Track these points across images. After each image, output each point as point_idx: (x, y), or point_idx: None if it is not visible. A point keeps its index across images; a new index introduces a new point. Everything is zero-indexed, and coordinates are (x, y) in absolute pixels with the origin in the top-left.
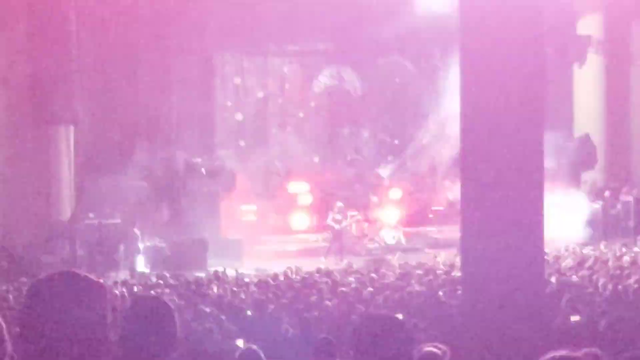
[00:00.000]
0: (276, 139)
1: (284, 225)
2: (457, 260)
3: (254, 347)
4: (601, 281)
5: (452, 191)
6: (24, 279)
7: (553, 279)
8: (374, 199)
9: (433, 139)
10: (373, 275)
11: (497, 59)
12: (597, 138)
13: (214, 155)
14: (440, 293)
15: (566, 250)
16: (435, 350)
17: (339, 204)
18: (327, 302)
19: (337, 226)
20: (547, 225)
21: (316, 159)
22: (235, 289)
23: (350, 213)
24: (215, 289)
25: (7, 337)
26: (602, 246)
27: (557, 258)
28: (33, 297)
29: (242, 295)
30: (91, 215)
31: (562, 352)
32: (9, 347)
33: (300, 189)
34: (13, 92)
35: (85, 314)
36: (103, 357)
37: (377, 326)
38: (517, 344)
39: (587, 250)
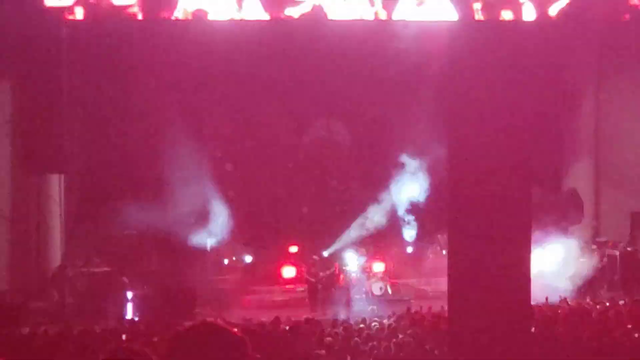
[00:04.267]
0: (265, 188)
1: (271, 275)
2: (445, 311)
3: None
4: (586, 334)
5: (440, 244)
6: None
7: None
8: (362, 250)
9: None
10: (361, 325)
11: (484, 110)
12: (584, 192)
13: (204, 204)
14: (427, 346)
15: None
16: None
17: (315, 257)
18: (316, 352)
19: (313, 279)
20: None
21: (305, 210)
22: None
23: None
24: None
25: None
26: (587, 299)
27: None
28: (176, 347)
29: None
30: (80, 263)
31: None
32: None
33: (289, 241)
34: (3, 140)
35: None
36: None
37: None
38: None
39: (573, 303)
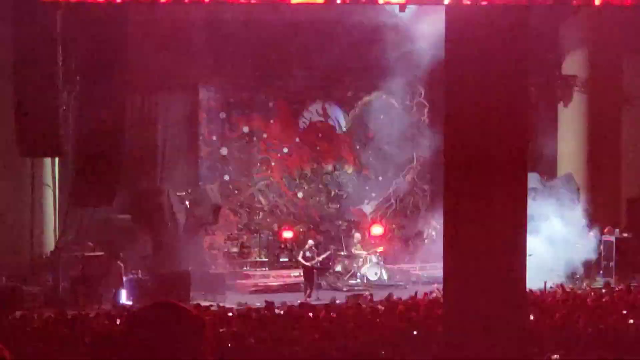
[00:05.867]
0: (260, 173)
1: (266, 260)
2: (439, 297)
3: None
4: (582, 320)
5: (435, 227)
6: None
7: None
8: (357, 235)
9: (417, 176)
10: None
11: (481, 95)
12: (581, 177)
13: (198, 188)
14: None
15: (550, 288)
16: None
17: (310, 241)
18: (309, 337)
19: (307, 263)
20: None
21: (300, 194)
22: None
23: (329, 249)
24: None
25: None
26: (583, 285)
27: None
28: (132, 327)
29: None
30: (74, 247)
31: None
32: None
33: (284, 225)
34: None
35: (183, 346)
36: None
37: None
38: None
39: (569, 289)
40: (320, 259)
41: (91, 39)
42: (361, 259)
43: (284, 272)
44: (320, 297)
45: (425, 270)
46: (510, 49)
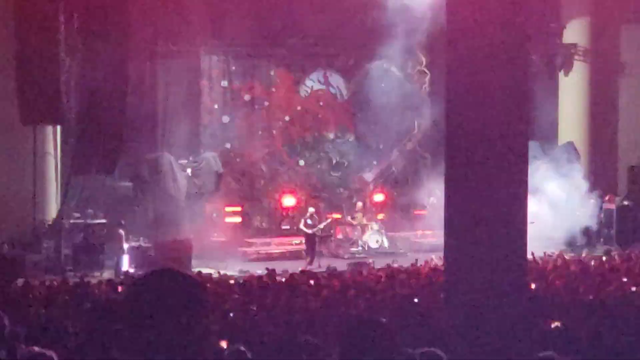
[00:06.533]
0: (262, 141)
1: (268, 228)
2: (441, 264)
3: (242, 348)
4: (582, 288)
5: (436, 195)
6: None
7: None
8: (359, 203)
9: (419, 144)
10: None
11: (482, 64)
12: (582, 146)
13: (200, 156)
14: (422, 296)
15: (549, 256)
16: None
17: (311, 209)
18: (311, 305)
19: (309, 231)
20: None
21: (301, 162)
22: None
23: (330, 217)
24: None
25: None
26: (583, 253)
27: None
28: (133, 294)
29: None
30: (76, 215)
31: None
32: None
33: (285, 192)
34: None
35: (183, 314)
36: (198, 355)
37: (362, 331)
38: (498, 347)
39: (569, 257)
40: (321, 226)
41: (93, 2)
42: (362, 227)
43: (286, 239)
44: (321, 265)
45: (426, 238)
46: (512, 17)
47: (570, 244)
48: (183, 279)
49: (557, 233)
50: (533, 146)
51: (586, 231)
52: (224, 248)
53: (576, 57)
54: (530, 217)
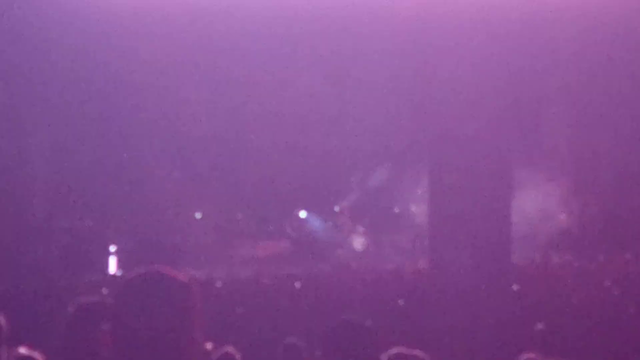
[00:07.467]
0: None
1: (254, 229)
2: (425, 267)
3: (230, 349)
4: (565, 291)
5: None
6: None
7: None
8: (343, 205)
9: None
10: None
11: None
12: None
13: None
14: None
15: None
16: (406, 352)
17: (297, 211)
18: (296, 306)
19: (293, 233)
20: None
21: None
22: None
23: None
24: None
25: None
26: (566, 255)
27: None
28: (123, 295)
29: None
30: (65, 216)
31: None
32: None
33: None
34: None
35: (170, 314)
36: (185, 356)
37: (346, 332)
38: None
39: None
40: (309, 228)
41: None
42: (348, 228)
43: (272, 242)
44: (307, 267)
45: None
46: None
47: (554, 246)
48: (170, 279)
49: (541, 234)
50: None
51: (570, 233)
52: (211, 249)
53: None
54: (515, 218)
